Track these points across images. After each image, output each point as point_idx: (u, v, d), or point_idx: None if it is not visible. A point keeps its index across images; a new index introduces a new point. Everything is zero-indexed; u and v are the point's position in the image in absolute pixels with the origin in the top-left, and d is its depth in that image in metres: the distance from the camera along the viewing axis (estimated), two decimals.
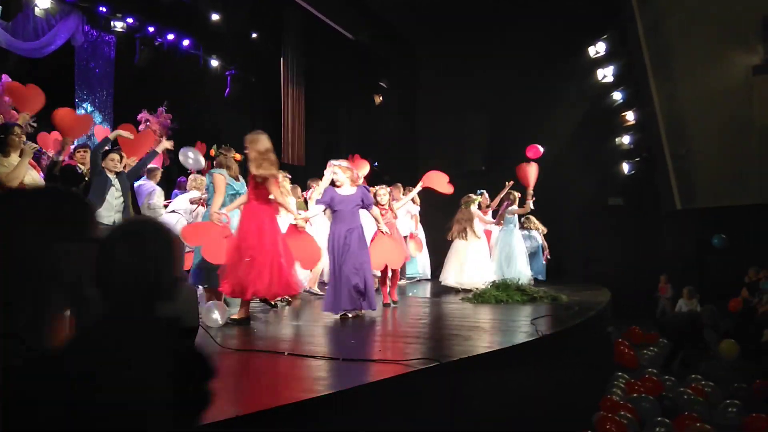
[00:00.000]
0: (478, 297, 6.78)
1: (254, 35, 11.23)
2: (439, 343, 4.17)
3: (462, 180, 11.22)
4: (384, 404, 2.88)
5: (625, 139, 10.91)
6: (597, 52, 10.72)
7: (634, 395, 5.15)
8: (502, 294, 6.78)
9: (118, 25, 9.40)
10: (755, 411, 4.80)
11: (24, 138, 5.08)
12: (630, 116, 10.82)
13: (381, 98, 12.82)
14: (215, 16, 10.06)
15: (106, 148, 5.58)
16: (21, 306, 1.24)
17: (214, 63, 11.09)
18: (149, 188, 6.68)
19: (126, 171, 5.50)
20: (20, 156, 4.69)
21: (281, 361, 3.42)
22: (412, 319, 5.66)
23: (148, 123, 8.81)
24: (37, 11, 8.25)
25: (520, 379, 3.93)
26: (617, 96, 10.93)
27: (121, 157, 5.55)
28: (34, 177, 4.91)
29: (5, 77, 6.91)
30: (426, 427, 3.03)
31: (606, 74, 10.77)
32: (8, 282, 1.23)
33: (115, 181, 5.29)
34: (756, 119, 10.17)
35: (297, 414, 2.44)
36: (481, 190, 8.75)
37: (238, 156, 5.56)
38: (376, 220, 5.91)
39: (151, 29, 9.89)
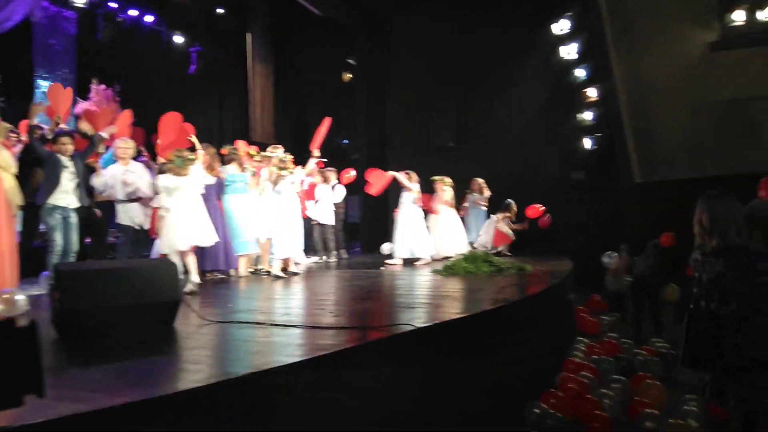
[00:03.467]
0: (449, 269, 7.02)
1: (219, 11, 11.07)
2: (414, 310, 4.37)
3: (432, 156, 11.47)
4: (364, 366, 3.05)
5: (588, 115, 11.21)
6: (561, 29, 10.93)
7: (594, 357, 5.47)
8: (471, 266, 7.04)
9: (79, 1, 9.16)
10: None
11: None
12: (592, 92, 11.11)
13: (350, 75, 12.83)
14: None
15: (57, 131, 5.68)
16: None
17: (179, 39, 10.92)
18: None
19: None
20: None
21: (262, 332, 3.56)
22: (387, 290, 5.89)
23: (93, 97, 8.61)
24: None
25: (489, 343, 4.17)
26: (580, 72, 11.19)
27: (73, 139, 5.66)
28: (4, 157, 4.87)
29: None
30: (403, 388, 3.22)
31: (569, 51, 11.00)
32: None
33: (69, 164, 5.41)
34: (712, 94, 10.57)
35: (287, 374, 2.58)
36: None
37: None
38: None
39: (113, 5, 9.66)
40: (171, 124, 6.79)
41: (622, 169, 11.28)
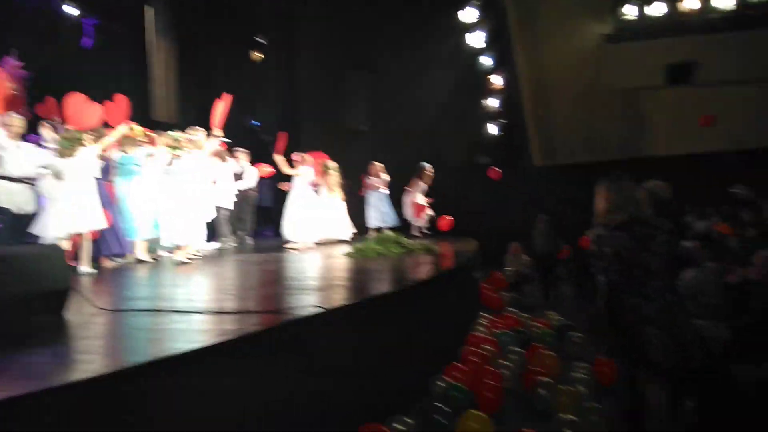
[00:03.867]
0: (359, 251, 7.10)
1: None
2: (325, 292, 4.40)
3: (344, 139, 11.47)
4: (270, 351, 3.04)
5: (493, 102, 11.65)
6: (467, 17, 11.22)
7: (496, 330, 5.77)
8: (381, 247, 7.16)
9: None
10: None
11: None
12: (497, 80, 11.53)
13: (259, 54, 12.48)
14: None
15: None
16: None
17: (72, 11, 10.11)
18: None
19: None
20: None
21: (161, 319, 3.44)
22: (295, 272, 5.87)
23: None
24: None
25: (398, 322, 4.28)
26: (485, 60, 11.57)
27: None
28: None
29: None
30: (309, 370, 3.24)
31: (476, 39, 11.33)
32: None
33: None
34: (606, 84, 11.32)
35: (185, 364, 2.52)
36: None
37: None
38: None
39: None
40: (79, 105, 6.31)
41: (526, 153, 11.86)
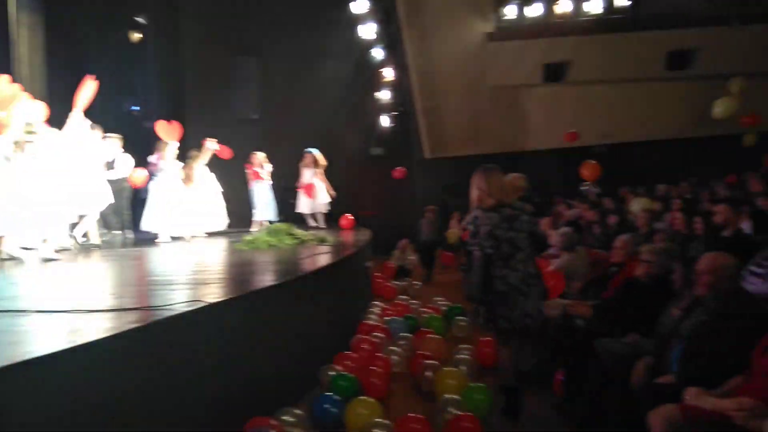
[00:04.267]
0: (250, 243, 6.92)
1: None
2: (208, 286, 4.24)
3: (234, 128, 11.08)
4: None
5: (385, 94, 11.84)
6: (358, 9, 11.27)
7: (387, 318, 5.90)
8: (273, 239, 7.03)
9: None
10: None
11: None
12: (388, 73, 11.73)
13: (138, 35, 11.69)
14: None
15: None
16: None
17: None
18: None
19: None
20: None
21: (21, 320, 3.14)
22: (176, 266, 5.61)
23: None
24: None
25: (290, 312, 4.23)
26: (377, 53, 11.72)
27: None
28: None
29: None
30: (194, 365, 3.12)
31: (367, 31, 11.42)
32: None
33: None
34: (489, 80, 11.90)
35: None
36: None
37: None
38: None
39: None
40: None
41: (416, 146, 12.19)
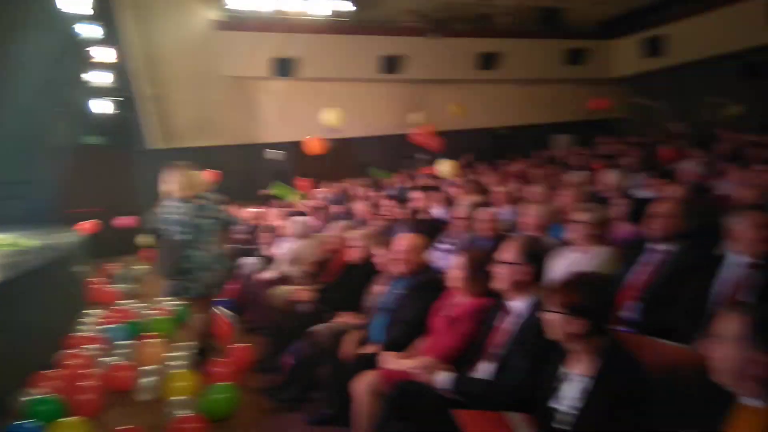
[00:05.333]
0: None
1: None
2: None
3: None
4: None
5: (102, 77, 10.59)
6: None
7: (105, 326, 5.32)
8: None
9: None
10: None
11: None
12: (105, 54, 10.51)
13: None
14: None
15: None
16: None
17: None
18: None
19: None
20: None
21: None
22: None
23: None
24: None
25: None
26: (92, 31, 10.37)
27: None
28: None
29: None
30: None
31: (74, 4, 10.02)
32: None
33: None
34: (219, 70, 11.57)
35: None
36: None
37: None
38: None
39: None
40: None
41: (142, 135, 11.21)
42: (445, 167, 7.63)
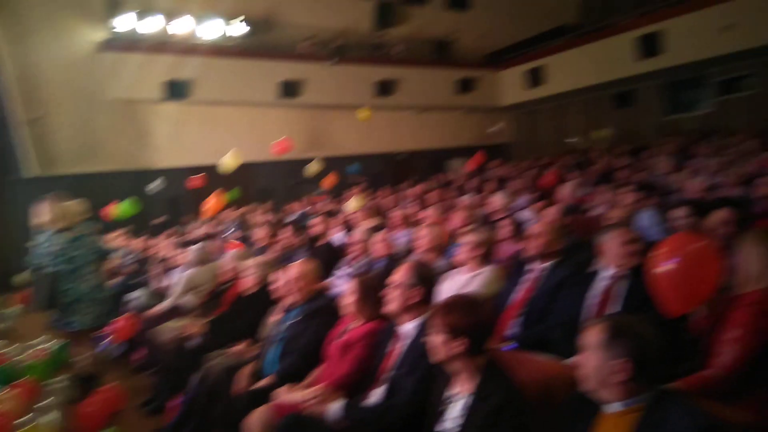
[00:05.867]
0: None
1: None
2: None
3: None
4: None
5: None
6: None
7: None
8: None
9: None
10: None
11: None
12: None
13: None
14: None
15: None
16: None
17: None
18: None
19: None
20: None
21: None
22: None
23: None
24: None
25: None
26: None
27: None
28: None
29: None
30: None
31: None
32: None
33: None
34: (106, 93, 10.94)
35: None
36: None
37: None
38: None
39: None
40: None
41: (18, 160, 10.33)
42: (353, 202, 7.66)
